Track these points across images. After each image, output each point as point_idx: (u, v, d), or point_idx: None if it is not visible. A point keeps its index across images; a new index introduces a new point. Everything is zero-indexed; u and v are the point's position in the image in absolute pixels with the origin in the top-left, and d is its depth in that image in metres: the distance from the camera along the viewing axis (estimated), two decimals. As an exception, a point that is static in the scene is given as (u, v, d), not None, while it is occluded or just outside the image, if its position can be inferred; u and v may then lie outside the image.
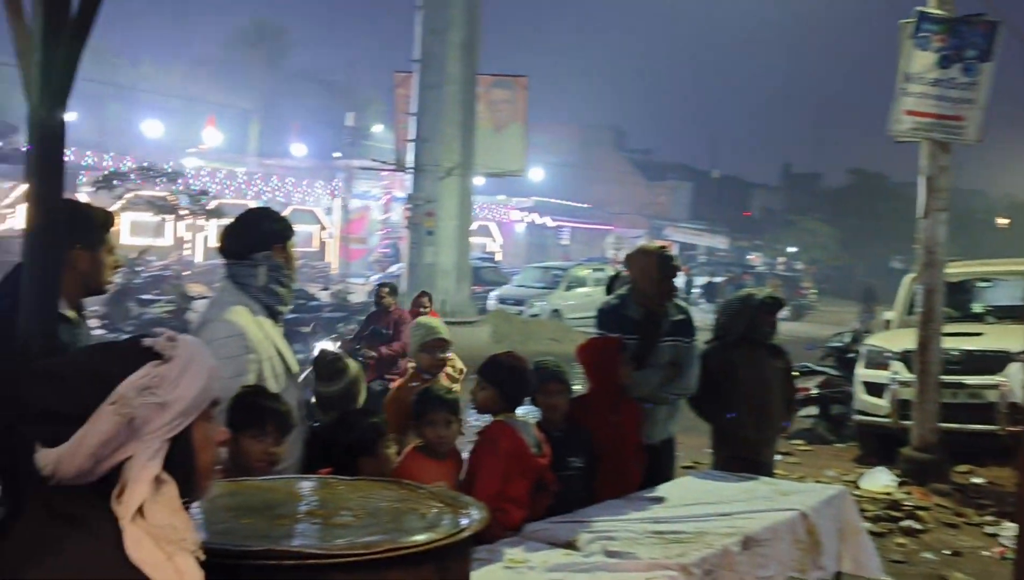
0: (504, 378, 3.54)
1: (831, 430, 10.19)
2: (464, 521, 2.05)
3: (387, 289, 8.95)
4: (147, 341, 1.43)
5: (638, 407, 4.25)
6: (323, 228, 37.28)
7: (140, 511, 1.35)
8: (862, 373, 9.31)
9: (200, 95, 42.37)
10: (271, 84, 49.93)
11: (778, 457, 7.98)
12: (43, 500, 1.39)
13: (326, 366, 3.47)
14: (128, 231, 29.07)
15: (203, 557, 1.42)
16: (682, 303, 4.65)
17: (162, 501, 1.38)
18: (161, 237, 26.34)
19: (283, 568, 1.75)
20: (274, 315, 3.17)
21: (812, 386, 10.28)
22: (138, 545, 1.34)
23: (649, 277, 4.42)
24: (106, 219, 2.89)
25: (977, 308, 10.16)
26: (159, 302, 15.27)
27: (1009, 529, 6.56)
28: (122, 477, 1.36)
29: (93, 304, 14.72)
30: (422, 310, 8.58)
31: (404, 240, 17.32)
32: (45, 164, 1.90)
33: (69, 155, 27.59)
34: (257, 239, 3.14)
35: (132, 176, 19.68)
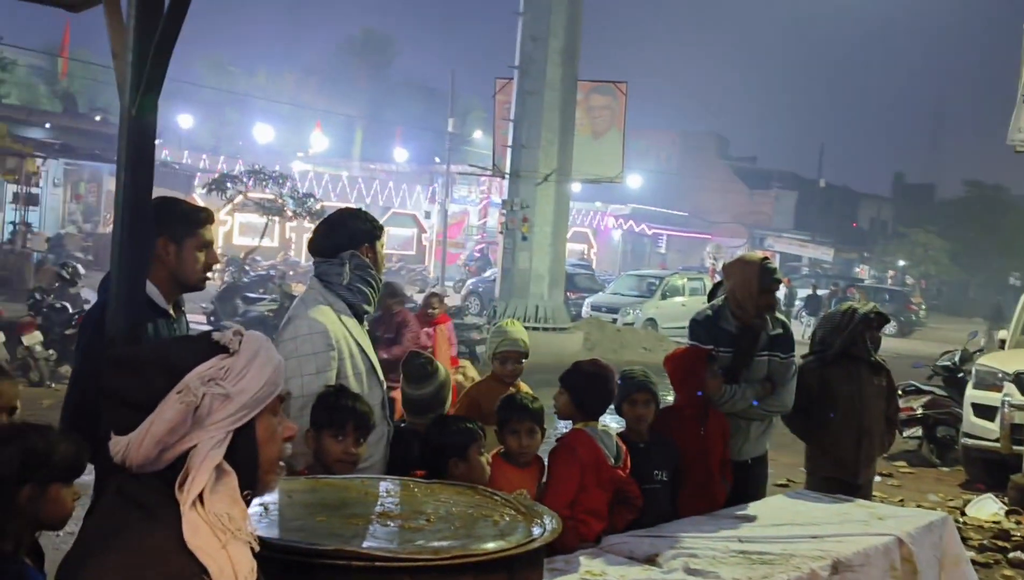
0: (582, 385, 3.48)
1: (936, 453, 9.74)
2: (537, 531, 2.02)
3: (389, 293, 8.22)
4: (216, 335, 1.47)
5: (726, 421, 4.12)
6: (422, 232, 37.88)
7: (200, 499, 1.38)
8: (972, 394, 8.87)
9: (309, 102, 43.69)
10: (376, 91, 51.12)
11: (878, 479, 7.66)
12: (117, 485, 1.45)
13: (416, 369, 3.46)
14: (237, 232, 30.22)
15: (257, 548, 1.44)
16: (781, 317, 4.48)
17: (222, 491, 1.41)
18: (268, 238, 27.26)
19: (352, 569, 1.75)
20: (359, 314, 3.19)
21: (917, 406, 9.85)
22: (195, 532, 1.36)
23: (747, 288, 4.28)
24: (195, 215, 2.94)
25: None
26: (263, 301, 15.75)
27: None
28: (186, 465, 1.40)
29: (202, 300, 15.33)
30: (430, 312, 8.32)
31: (496, 245, 17.39)
32: (135, 160, 1.97)
33: (186, 159, 28.92)
34: (344, 238, 3.16)
35: (243, 179, 20.37)
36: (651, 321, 21.85)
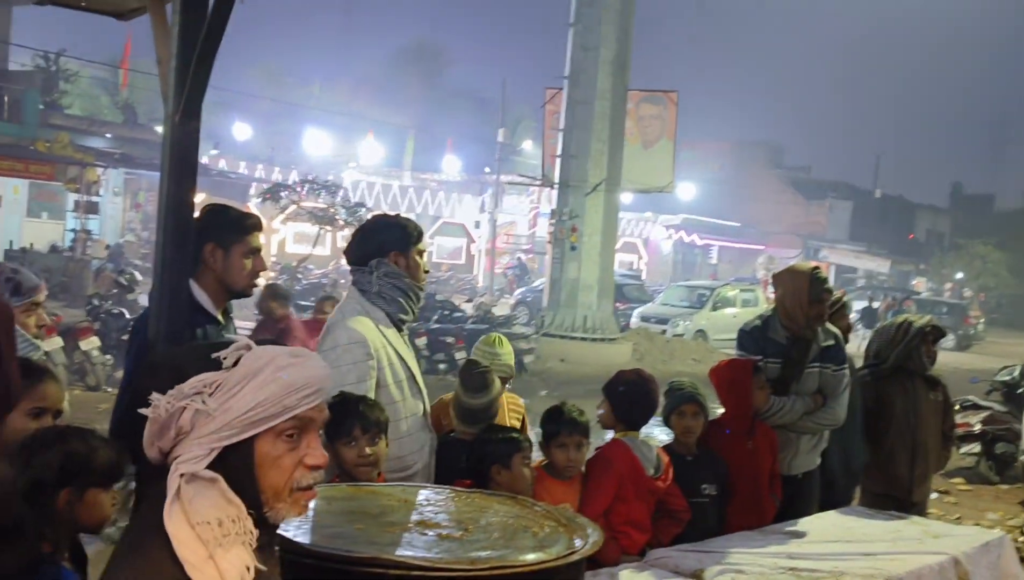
0: (623, 395, 3.44)
1: (995, 470, 9.45)
2: (578, 542, 1.98)
3: (271, 293, 7.62)
4: (221, 348, 1.43)
5: (774, 435, 4.03)
6: (471, 241, 38.01)
7: (186, 508, 1.36)
8: (1034, 410, 8.59)
9: (362, 112, 44.20)
10: (428, 101, 51.53)
11: (935, 496, 7.45)
12: (153, 485, 1.45)
13: (473, 378, 3.41)
14: (291, 240, 30.64)
15: (254, 544, 1.39)
16: (832, 328, 4.38)
17: (208, 496, 1.37)
18: (320, 247, 27.58)
19: (388, 577, 1.74)
20: (396, 323, 3.16)
21: (975, 422, 9.57)
22: (180, 543, 1.34)
23: (797, 298, 4.19)
24: (243, 221, 2.94)
25: None
26: (314, 309, 15.94)
27: None
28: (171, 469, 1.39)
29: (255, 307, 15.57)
30: (320, 317, 7.47)
31: (541, 256, 17.35)
32: (178, 165, 1.99)
33: (243, 169, 29.32)
34: (374, 246, 3.14)
35: (295, 188, 20.67)
36: (701, 332, 21.61)
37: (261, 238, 3.02)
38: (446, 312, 15.37)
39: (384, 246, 3.14)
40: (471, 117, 50.75)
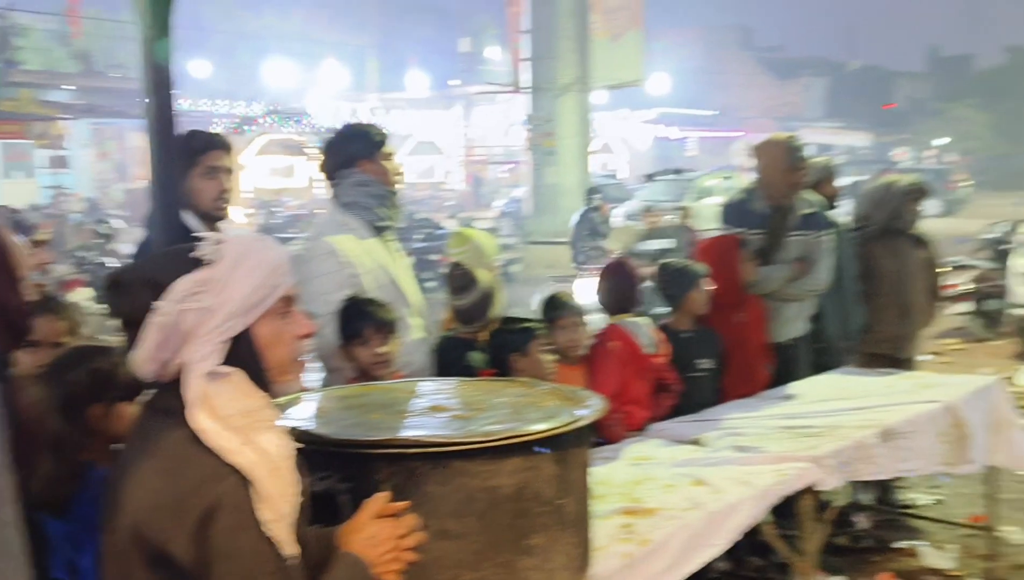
0: (608, 283, 3.59)
1: (986, 326, 9.65)
2: (582, 411, 2.07)
3: None
4: (198, 247, 1.47)
5: (763, 305, 4.13)
6: (444, 157, 37.67)
7: (208, 405, 1.41)
8: (1020, 264, 8.74)
9: (320, 36, 43.17)
10: (385, 18, 50.30)
11: (928, 357, 7.63)
12: (150, 397, 1.52)
13: (456, 279, 3.50)
14: (265, 174, 30.33)
15: (287, 428, 1.47)
16: (813, 196, 4.43)
17: (226, 392, 1.43)
18: (294, 179, 27.27)
19: (408, 456, 1.82)
20: (379, 231, 3.21)
21: (966, 280, 9.72)
22: (212, 435, 1.40)
23: (776, 168, 4.25)
24: (190, 141, 2.96)
25: None
26: (296, 240, 15.93)
27: None
28: (184, 376, 1.44)
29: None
30: None
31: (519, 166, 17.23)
32: (158, 85, 2.01)
33: (205, 105, 28.69)
34: (341, 159, 3.19)
35: (261, 121, 20.39)
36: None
37: (223, 157, 3.01)
38: (428, 230, 15.37)
39: (350, 156, 3.18)
40: (432, 31, 49.65)
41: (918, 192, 4.91)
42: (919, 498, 4.83)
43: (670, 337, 3.70)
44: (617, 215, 22.70)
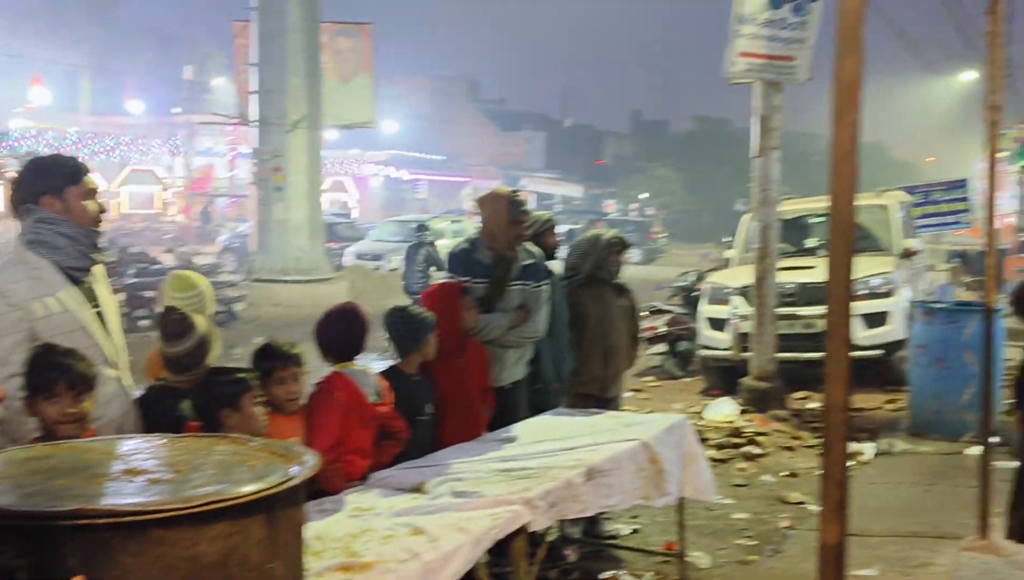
0: (327, 330, 3.54)
1: (679, 366, 10.62)
2: (295, 469, 2.01)
3: None
4: None
5: (483, 351, 4.28)
6: (164, 188, 35.57)
7: None
8: (705, 309, 9.71)
9: (26, 51, 39.26)
10: (102, 38, 46.84)
11: (629, 394, 8.26)
12: None
13: (171, 325, 3.26)
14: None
15: None
16: (533, 248, 4.68)
17: None
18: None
19: (100, 527, 1.66)
20: (73, 271, 2.94)
21: (660, 324, 10.67)
22: None
23: (499, 220, 4.44)
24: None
25: (810, 243, 10.78)
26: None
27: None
28: None
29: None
30: None
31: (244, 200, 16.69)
32: None
33: None
34: (25, 193, 2.94)
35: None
36: (415, 265, 21.98)
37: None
38: (143, 265, 14.39)
39: (34, 191, 2.92)
40: (153, 55, 46.91)
41: (620, 244, 5.36)
42: (621, 528, 5.19)
43: (398, 382, 3.71)
44: (348, 254, 22.66)
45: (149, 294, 12.82)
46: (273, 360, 3.28)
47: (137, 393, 3.17)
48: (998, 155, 5.05)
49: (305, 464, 2.04)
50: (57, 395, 2.59)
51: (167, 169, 35.84)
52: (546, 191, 51.01)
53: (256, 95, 16.41)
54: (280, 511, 1.91)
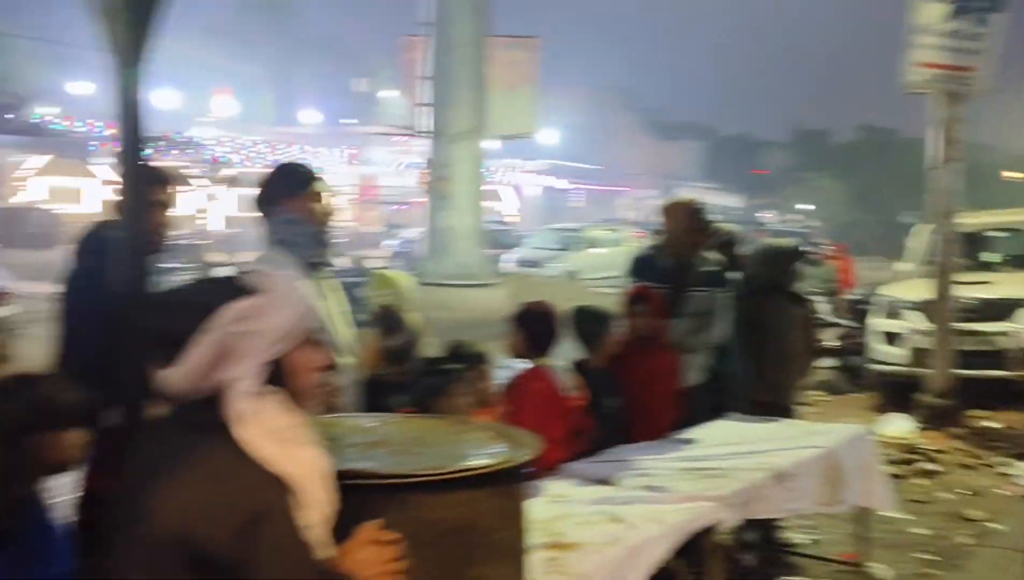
0: (533, 324, 3.71)
1: (849, 380, 10.32)
2: (520, 449, 2.19)
3: None
4: (243, 277, 1.60)
5: (673, 354, 4.38)
6: (334, 196, 37.28)
7: (250, 420, 1.53)
8: (879, 323, 9.41)
9: (212, 64, 42.28)
10: (280, 52, 49.78)
11: (801, 407, 8.10)
12: (176, 412, 1.59)
13: (386, 320, 3.56)
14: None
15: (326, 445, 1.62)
16: (715, 255, 4.77)
17: (273, 408, 1.57)
18: (176, 208, 26.29)
19: (360, 489, 1.88)
20: (311, 268, 3.19)
21: (831, 337, 10.40)
22: (261, 444, 1.52)
23: (681, 228, 4.57)
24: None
25: (988, 257, 10.25)
26: (178, 269, 15.47)
27: (1023, 469, 6.73)
28: (227, 395, 1.54)
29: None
30: None
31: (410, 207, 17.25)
32: (126, 113, 2.09)
33: (82, 127, 27.40)
34: (265, 197, 3.24)
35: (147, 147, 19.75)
36: (571, 273, 22.22)
37: (160, 192, 2.99)
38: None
39: (276, 194, 3.23)
40: (325, 67, 49.41)
41: (797, 254, 5.35)
42: (796, 537, 5.16)
43: (584, 376, 3.88)
44: (509, 260, 23.13)
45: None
46: (462, 358, 3.52)
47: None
48: None
49: (527, 443, 2.22)
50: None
51: (335, 177, 37.61)
52: (704, 201, 50.14)
53: (426, 107, 17.06)
54: (510, 485, 2.10)
